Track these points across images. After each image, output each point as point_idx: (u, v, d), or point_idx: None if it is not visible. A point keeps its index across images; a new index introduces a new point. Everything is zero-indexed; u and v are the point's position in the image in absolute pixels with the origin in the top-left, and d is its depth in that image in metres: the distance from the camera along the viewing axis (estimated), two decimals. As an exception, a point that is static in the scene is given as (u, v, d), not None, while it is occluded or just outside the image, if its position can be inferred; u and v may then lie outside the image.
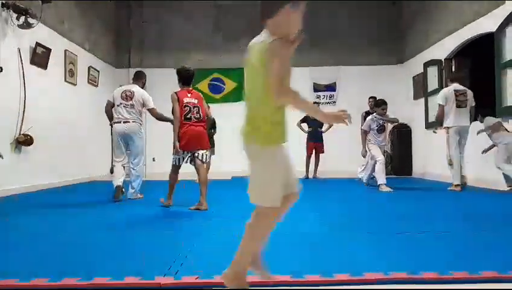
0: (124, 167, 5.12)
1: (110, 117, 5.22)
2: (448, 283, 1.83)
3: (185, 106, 4.21)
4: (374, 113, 6.29)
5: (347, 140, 8.75)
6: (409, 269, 1.94)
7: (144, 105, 5.15)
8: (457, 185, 5.65)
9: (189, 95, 4.31)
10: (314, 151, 8.47)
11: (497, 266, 1.98)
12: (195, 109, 4.25)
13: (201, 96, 4.49)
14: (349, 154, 8.74)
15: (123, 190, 5.04)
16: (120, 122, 5.03)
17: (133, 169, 5.11)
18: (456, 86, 5.86)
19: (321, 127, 8.49)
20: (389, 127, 6.83)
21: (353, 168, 8.32)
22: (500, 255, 2.28)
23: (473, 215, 3.72)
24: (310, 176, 8.46)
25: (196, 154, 4.22)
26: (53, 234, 3.01)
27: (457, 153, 5.71)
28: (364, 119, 8.21)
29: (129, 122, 5.02)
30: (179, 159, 4.26)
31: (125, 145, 5.11)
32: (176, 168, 4.30)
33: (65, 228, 3.27)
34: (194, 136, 4.19)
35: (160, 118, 5.14)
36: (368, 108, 8.16)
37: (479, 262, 2.10)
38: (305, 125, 8.54)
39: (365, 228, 3.14)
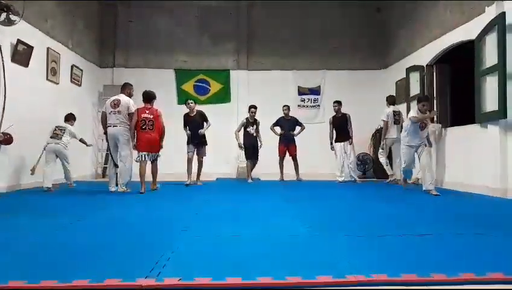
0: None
1: (104, 125, 6.07)
2: (428, 285, 1.86)
3: (142, 120, 5.98)
4: (415, 109, 5.76)
5: (320, 143, 8.80)
6: (389, 271, 1.96)
7: (128, 110, 5.94)
8: (392, 179, 7.56)
9: (147, 111, 6.06)
10: (287, 154, 8.45)
11: (476, 268, 2.02)
12: (149, 122, 6.01)
13: (159, 113, 6.15)
14: (324, 157, 8.81)
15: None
16: (110, 126, 5.92)
17: (121, 162, 5.85)
18: (393, 107, 7.65)
19: (293, 130, 8.45)
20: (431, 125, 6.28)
21: (328, 170, 8.38)
22: (479, 257, 2.33)
23: (453, 217, 3.80)
24: (294, 178, 8.45)
25: (149, 156, 6.08)
26: (31, 235, 2.94)
27: (385, 156, 7.75)
28: (332, 124, 8.22)
29: (117, 126, 5.88)
30: (142, 156, 6.04)
31: (115, 145, 5.93)
32: (143, 162, 6.09)
33: (44, 228, 3.19)
34: (146, 141, 6.00)
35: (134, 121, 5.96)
36: (349, 111, 8.20)
37: (458, 264, 2.15)
38: (278, 129, 8.53)
39: (346, 230, 3.17)
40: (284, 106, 8.56)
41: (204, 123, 7.48)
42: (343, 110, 8.24)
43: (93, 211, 4.24)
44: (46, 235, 2.97)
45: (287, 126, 8.43)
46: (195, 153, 7.47)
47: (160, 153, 6.21)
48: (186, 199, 5.49)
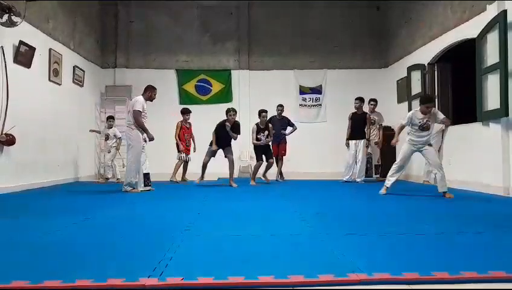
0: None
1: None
2: (430, 283, 1.86)
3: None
4: (417, 109, 5.36)
5: (322, 142, 8.76)
6: (391, 270, 1.96)
7: (133, 107, 5.95)
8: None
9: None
10: (277, 153, 8.37)
11: (477, 266, 2.02)
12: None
13: (177, 125, 7.93)
14: (325, 157, 8.79)
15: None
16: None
17: (127, 164, 6.08)
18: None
19: (285, 129, 8.34)
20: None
21: (330, 170, 8.34)
22: (480, 256, 2.33)
23: (455, 216, 3.80)
24: (294, 178, 8.41)
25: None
26: (34, 235, 2.95)
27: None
28: (351, 120, 8.13)
29: (126, 126, 6.09)
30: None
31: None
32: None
33: (46, 228, 3.20)
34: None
35: (137, 121, 5.91)
36: (354, 109, 8.14)
37: (459, 262, 2.15)
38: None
39: (348, 229, 3.17)
40: (278, 105, 8.35)
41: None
42: (348, 109, 8.18)
43: (95, 211, 4.24)
44: (48, 235, 2.98)
45: (278, 126, 8.26)
46: (218, 155, 7.35)
47: (180, 155, 8.00)
48: (187, 198, 5.49)
